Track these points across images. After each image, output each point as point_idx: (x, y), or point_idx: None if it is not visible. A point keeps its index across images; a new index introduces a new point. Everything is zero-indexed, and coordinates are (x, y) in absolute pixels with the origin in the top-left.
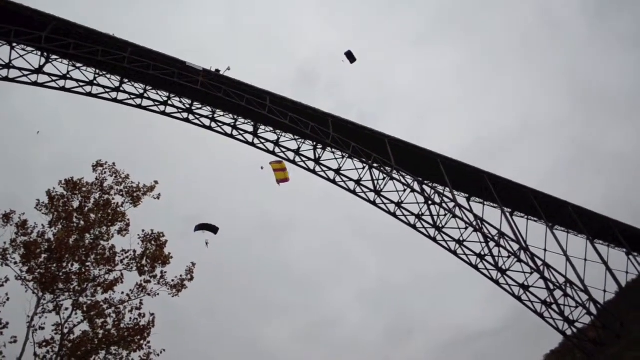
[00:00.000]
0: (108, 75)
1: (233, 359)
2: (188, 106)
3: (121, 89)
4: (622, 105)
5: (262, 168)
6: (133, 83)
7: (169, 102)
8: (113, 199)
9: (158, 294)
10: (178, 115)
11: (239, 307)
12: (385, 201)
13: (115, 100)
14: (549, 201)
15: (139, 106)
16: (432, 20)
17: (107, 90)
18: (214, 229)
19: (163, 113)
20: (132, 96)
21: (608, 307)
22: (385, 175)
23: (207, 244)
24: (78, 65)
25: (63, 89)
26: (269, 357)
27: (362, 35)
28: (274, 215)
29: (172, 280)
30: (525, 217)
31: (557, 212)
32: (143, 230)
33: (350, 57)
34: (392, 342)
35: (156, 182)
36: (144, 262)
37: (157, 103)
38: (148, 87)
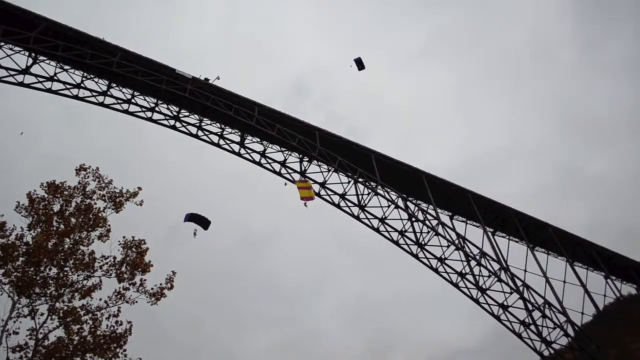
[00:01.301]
0: (96, 79)
1: None
2: (175, 113)
3: (108, 93)
4: (606, 131)
5: (285, 184)
6: (121, 88)
7: (157, 109)
8: (95, 203)
9: (136, 302)
10: (165, 122)
11: (218, 317)
12: (369, 216)
13: (102, 104)
14: (530, 222)
15: (126, 111)
16: (427, 40)
17: (94, 93)
18: (205, 223)
19: (150, 119)
20: (120, 101)
21: (585, 330)
22: (370, 191)
23: (194, 234)
24: (66, 67)
25: (49, 90)
26: None
27: (356, 49)
28: (257, 225)
29: (152, 289)
30: (507, 237)
31: (538, 234)
32: (124, 237)
33: (360, 64)
34: (372, 357)
35: (139, 188)
36: (123, 269)
37: (144, 109)
38: (136, 93)
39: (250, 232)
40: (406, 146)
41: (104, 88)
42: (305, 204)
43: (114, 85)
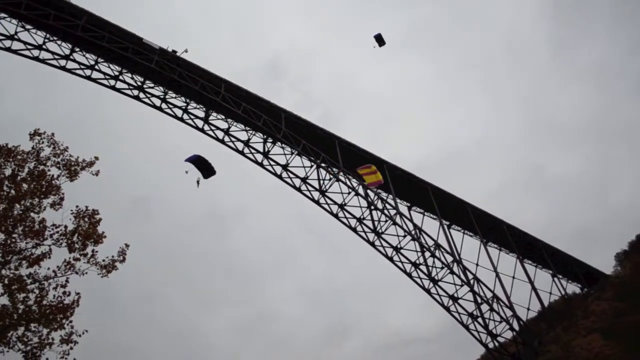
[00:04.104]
0: (59, 42)
1: (164, 345)
2: (140, 84)
3: (71, 57)
4: (571, 134)
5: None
6: (84, 53)
7: (120, 78)
8: (49, 170)
9: (86, 273)
10: (128, 92)
11: (177, 294)
12: (329, 201)
13: (63, 68)
14: (485, 218)
15: (88, 77)
16: (407, 31)
17: (56, 56)
18: (208, 171)
19: (113, 88)
20: (82, 66)
21: (530, 325)
22: (331, 176)
23: (198, 183)
24: (28, 26)
25: (9, 49)
26: (203, 347)
27: (337, 35)
28: (223, 203)
29: (103, 260)
30: (462, 231)
31: (493, 229)
32: (77, 206)
33: (380, 40)
34: (329, 340)
35: (96, 158)
36: (75, 238)
37: (107, 77)
38: (100, 59)
39: (218, 208)
40: (378, 135)
41: (67, 52)
42: (374, 189)
43: (78, 49)
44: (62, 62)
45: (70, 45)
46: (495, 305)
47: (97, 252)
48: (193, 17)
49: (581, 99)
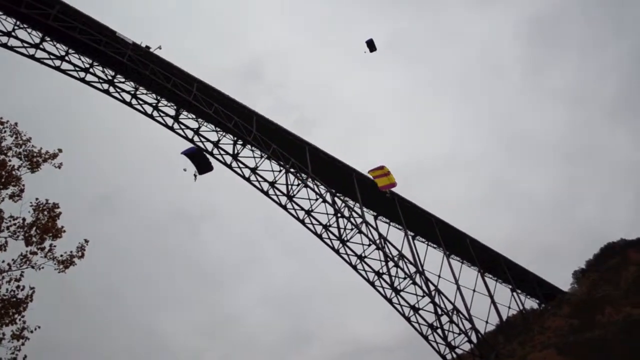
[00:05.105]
0: (29, 29)
1: (125, 344)
2: (111, 78)
3: (41, 46)
4: (539, 153)
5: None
6: (55, 43)
7: (91, 70)
8: (9, 160)
9: (43, 268)
10: (98, 85)
11: (139, 294)
12: (296, 207)
13: (32, 57)
14: (450, 231)
15: (57, 68)
16: (385, 42)
17: (26, 45)
18: (204, 166)
19: (82, 80)
20: (52, 56)
21: (488, 338)
22: (300, 182)
23: (195, 177)
24: None
25: None
26: (164, 348)
27: (317, 42)
28: (192, 203)
29: (61, 256)
30: (426, 242)
31: (456, 242)
32: (37, 199)
33: (371, 46)
34: (290, 346)
35: (59, 150)
36: (33, 232)
37: (77, 69)
38: (71, 50)
39: (186, 208)
40: (351, 143)
41: (37, 40)
42: (387, 193)
43: (48, 39)
44: (32, 51)
45: (40, 34)
46: (455, 317)
47: (55, 246)
48: (172, 14)
49: (551, 120)
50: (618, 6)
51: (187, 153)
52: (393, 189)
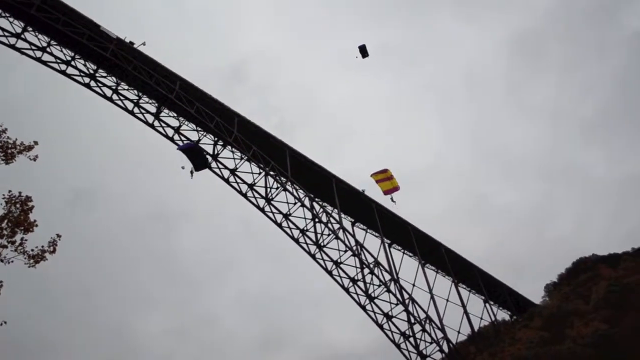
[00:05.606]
0: (11, 19)
1: (93, 342)
2: (92, 72)
3: (22, 36)
4: (518, 168)
5: (362, 191)
6: (37, 34)
7: (73, 63)
8: None
9: (12, 262)
10: (79, 78)
11: (112, 292)
12: (274, 210)
13: (12, 46)
14: (426, 240)
15: (38, 59)
16: (372, 51)
17: (6, 34)
18: (201, 164)
19: (63, 73)
20: (33, 47)
21: (459, 348)
22: (279, 185)
23: (192, 174)
24: None
25: None
26: (133, 347)
27: (304, 46)
28: (170, 203)
29: (32, 250)
30: (402, 250)
31: (432, 252)
32: (10, 191)
33: (364, 51)
34: (263, 350)
35: (35, 143)
36: (4, 224)
37: (59, 61)
38: (53, 42)
39: (164, 207)
40: (332, 148)
41: (19, 30)
42: (392, 199)
43: (30, 29)
44: (12, 40)
45: (22, 24)
46: (427, 326)
47: (26, 240)
48: (159, 11)
49: (529, 136)
50: (600, 28)
51: (184, 149)
52: (391, 194)
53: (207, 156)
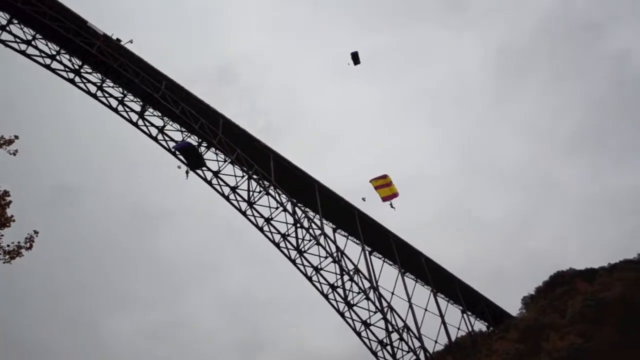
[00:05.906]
0: None
1: (64, 340)
2: (77, 67)
3: (7, 28)
4: (501, 180)
5: (363, 199)
6: (22, 26)
7: (57, 58)
8: None
9: None
10: (64, 74)
11: (91, 291)
12: (256, 214)
13: None
14: (406, 248)
15: (22, 52)
16: (363, 57)
17: None
18: (196, 163)
19: (47, 67)
20: (18, 40)
21: (436, 358)
22: (262, 189)
23: (187, 174)
24: None
25: None
26: (104, 347)
27: (293, 50)
28: (153, 202)
29: (8, 246)
30: (383, 258)
31: (412, 260)
32: None
33: (356, 59)
34: (242, 353)
35: (16, 137)
36: None
37: (43, 55)
38: (38, 36)
39: (146, 207)
40: (318, 154)
41: (4, 22)
42: (391, 205)
43: (16, 21)
44: None
45: (7, 16)
46: (405, 335)
47: (2, 235)
48: (148, 10)
49: (512, 150)
50: (584, 45)
51: (179, 148)
52: (390, 200)
53: (183, 159)
